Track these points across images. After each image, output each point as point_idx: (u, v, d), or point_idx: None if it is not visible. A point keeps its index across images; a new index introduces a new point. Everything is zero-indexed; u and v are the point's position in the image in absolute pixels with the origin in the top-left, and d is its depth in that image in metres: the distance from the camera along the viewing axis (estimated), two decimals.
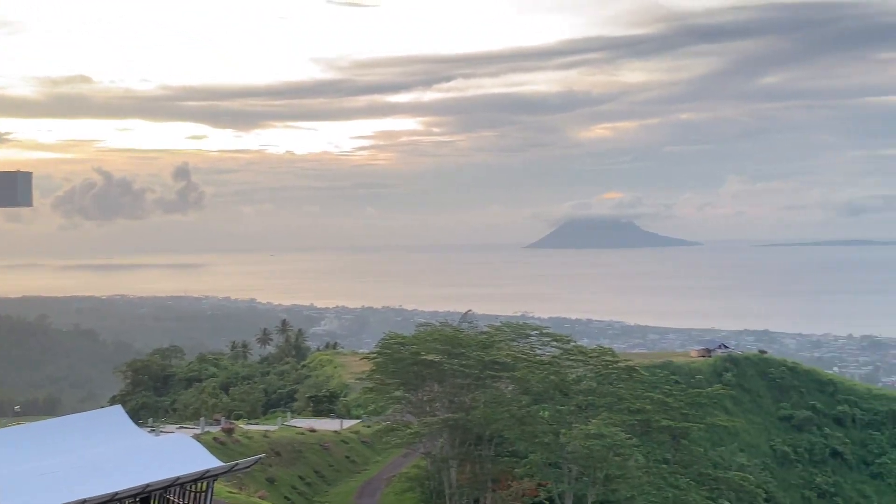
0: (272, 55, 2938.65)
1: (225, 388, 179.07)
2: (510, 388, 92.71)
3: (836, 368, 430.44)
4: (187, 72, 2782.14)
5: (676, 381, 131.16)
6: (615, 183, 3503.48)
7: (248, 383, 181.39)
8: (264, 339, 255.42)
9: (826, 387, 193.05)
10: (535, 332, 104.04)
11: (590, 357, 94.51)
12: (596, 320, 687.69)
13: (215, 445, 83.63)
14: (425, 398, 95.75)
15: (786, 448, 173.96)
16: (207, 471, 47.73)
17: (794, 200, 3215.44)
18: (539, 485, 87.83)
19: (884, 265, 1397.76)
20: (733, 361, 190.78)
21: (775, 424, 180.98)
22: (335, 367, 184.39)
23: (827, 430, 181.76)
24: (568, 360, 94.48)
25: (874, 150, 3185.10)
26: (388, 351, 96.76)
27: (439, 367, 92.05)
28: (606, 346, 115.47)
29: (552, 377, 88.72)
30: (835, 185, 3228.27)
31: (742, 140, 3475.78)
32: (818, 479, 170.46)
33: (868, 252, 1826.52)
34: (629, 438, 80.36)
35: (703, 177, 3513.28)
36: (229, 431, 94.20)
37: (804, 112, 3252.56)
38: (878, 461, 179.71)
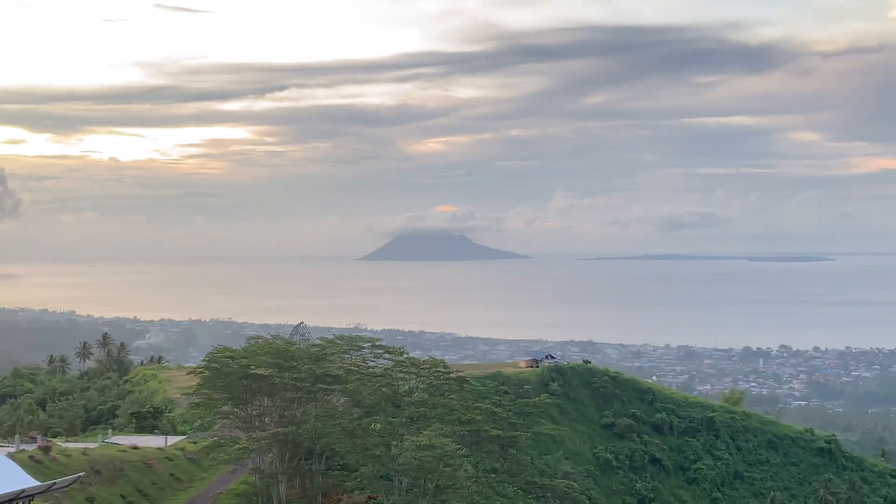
0: (96, 59, 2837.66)
1: (42, 404, 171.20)
2: (342, 402, 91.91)
3: (654, 377, 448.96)
4: (4, 74, 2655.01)
5: (505, 392, 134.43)
6: (448, 196, 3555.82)
7: (67, 399, 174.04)
8: (84, 353, 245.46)
9: (645, 395, 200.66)
10: (368, 344, 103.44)
11: (422, 369, 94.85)
12: (428, 332, 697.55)
13: (31, 464, 79.72)
14: (255, 413, 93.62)
15: (608, 455, 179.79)
16: (23, 490, 45.56)
17: (618, 216, 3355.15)
18: (370, 497, 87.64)
19: (698, 279, 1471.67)
20: (559, 371, 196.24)
21: (598, 432, 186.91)
22: (160, 382, 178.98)
23: (646, 437, 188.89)
24: (400, 372, 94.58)
25: (692, 168, 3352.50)
26: (217, 365, 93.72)
27: (270, 380, 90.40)
28: (438, 357, 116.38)
29: (384, 389, 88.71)
30: (655, 201, 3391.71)
31: (570, 157, 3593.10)
32: (638, 485, 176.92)
33: (685, 266, 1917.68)
34: (459, 449, 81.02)
35: (533, 192, 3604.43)
36: (46, 450, 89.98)
37: (627, 131, 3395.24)
38: (693, 467, 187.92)
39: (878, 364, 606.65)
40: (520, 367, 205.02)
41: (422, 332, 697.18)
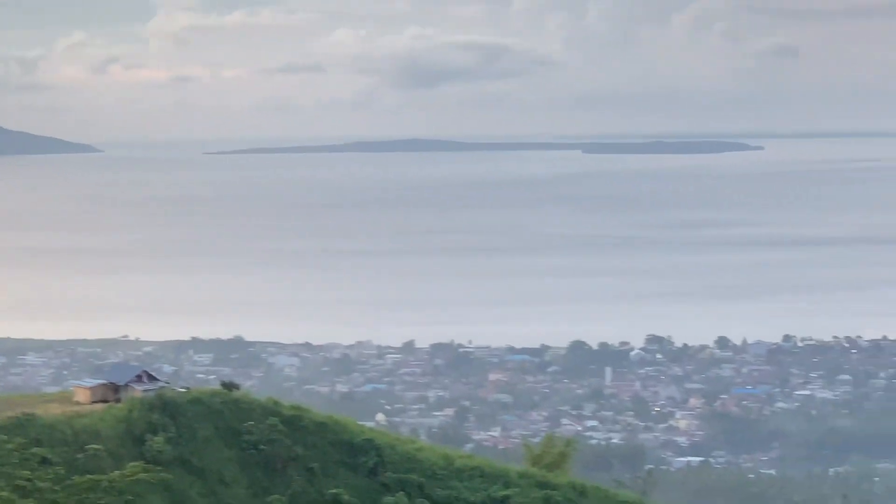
0: None
1: None
2: None
3: (381, 416, 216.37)
4: None
5: (45, 460, 79.25)
6: None
7: None
8: None
9: (362, 455, 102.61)
10: None
11: None
12: None
13: None
14: None
15: None
16: None
17: (306, 45, 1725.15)
18: None
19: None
20: (169, 409, 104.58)
21: None
22: None
23: None
24: None
25: None
26: None
27: None
28: None
29: None
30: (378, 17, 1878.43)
31: None
32: None
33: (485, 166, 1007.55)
34: None
35: None
36: None
37: None
38: None
39: None
40: (78, 403, 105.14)
41: None
